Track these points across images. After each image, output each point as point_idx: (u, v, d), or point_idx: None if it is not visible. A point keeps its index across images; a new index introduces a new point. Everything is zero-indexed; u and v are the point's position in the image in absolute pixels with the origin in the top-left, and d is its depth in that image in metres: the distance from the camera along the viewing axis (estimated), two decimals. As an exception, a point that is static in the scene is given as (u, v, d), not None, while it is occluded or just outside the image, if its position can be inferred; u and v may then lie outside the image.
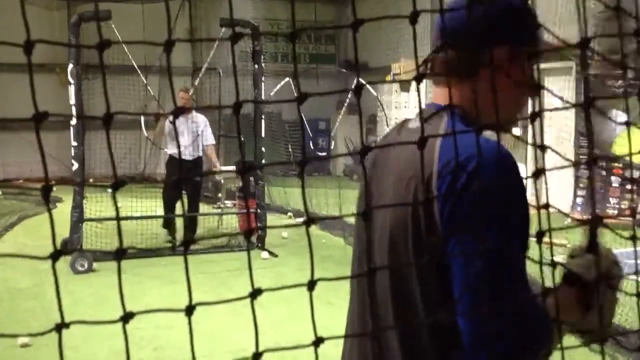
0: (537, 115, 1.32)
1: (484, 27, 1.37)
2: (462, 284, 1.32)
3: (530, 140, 1.37)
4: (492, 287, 1.32)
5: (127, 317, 0.70)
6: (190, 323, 0.77)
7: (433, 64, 1.50)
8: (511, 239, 1.33)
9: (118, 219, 0.63)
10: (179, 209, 8.95)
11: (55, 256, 0.66)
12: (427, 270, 1.38)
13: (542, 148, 1.21)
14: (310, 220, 0.95)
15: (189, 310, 0.71)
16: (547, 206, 1.22)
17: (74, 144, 7.78)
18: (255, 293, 0.75)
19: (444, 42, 1.45)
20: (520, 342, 1.32)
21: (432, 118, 1.45)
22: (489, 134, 1.31)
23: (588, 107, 1.16)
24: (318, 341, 0.82)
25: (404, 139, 1.51)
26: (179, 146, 1.80)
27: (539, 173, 1.18)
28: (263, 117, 9.13)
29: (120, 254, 0.71)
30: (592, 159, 1.66)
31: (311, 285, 0.82)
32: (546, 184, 1.18)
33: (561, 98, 1.45)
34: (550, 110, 1.29)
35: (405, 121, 1.63)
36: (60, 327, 0.68)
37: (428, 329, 1.40)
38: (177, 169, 8.65)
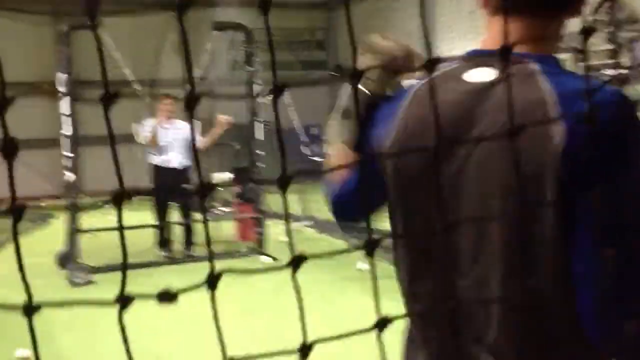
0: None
1: None
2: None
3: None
4: None
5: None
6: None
7: None
8: None
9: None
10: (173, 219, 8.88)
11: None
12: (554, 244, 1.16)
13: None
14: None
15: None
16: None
17: (68, 154, 7.74)
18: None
19: None
20: None
21: (504, 64, 1.19)
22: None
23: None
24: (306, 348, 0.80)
25: (469, 94, 1.24)
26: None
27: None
28: (261, 121, 9.08)
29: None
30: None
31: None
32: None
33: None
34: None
35: (448, 72, 1.30)
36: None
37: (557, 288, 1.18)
38: (164, 179, 8.56)
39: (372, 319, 1.48)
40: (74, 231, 7.65)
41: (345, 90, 1.52)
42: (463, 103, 1.24)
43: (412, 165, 1.29)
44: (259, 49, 9.07)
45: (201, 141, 8.93)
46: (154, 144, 8.46)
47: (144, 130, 8.51)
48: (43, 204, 13.53)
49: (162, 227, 8.66)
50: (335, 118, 1.55)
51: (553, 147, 1.12)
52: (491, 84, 1.21)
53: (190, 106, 0.66)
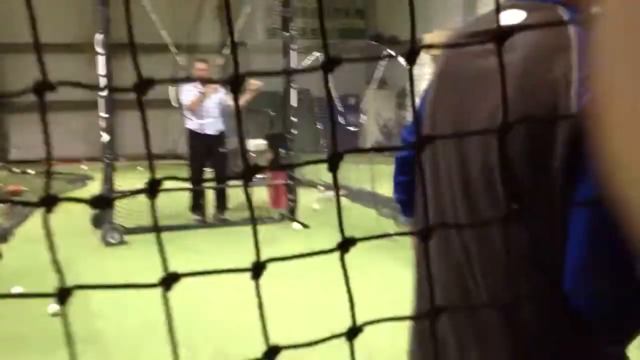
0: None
1: None
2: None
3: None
4: None
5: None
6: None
7: None
8: None
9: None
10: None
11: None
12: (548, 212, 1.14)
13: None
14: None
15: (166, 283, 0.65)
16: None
17: (104, 115, 7.82)
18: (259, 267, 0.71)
19: None
20: None
21: (533, 11, 1.21)
22: None
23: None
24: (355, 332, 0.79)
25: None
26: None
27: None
28: (295, 88, 9.10)
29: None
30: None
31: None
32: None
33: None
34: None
35: (481, 20, 1.35)
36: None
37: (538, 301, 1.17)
38: (200, 144, 8.61)
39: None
40: (109, 192, 7.76)
41: None
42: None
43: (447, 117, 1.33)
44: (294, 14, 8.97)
45: (232, 106, 8.94)
46: (196, 107, 8.48)
47: (188, 93, 8.46)
48: (84, 166, 13.75)
49: (196, 192, 8.75)
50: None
51: (569, 93, 1.09)
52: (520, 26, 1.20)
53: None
